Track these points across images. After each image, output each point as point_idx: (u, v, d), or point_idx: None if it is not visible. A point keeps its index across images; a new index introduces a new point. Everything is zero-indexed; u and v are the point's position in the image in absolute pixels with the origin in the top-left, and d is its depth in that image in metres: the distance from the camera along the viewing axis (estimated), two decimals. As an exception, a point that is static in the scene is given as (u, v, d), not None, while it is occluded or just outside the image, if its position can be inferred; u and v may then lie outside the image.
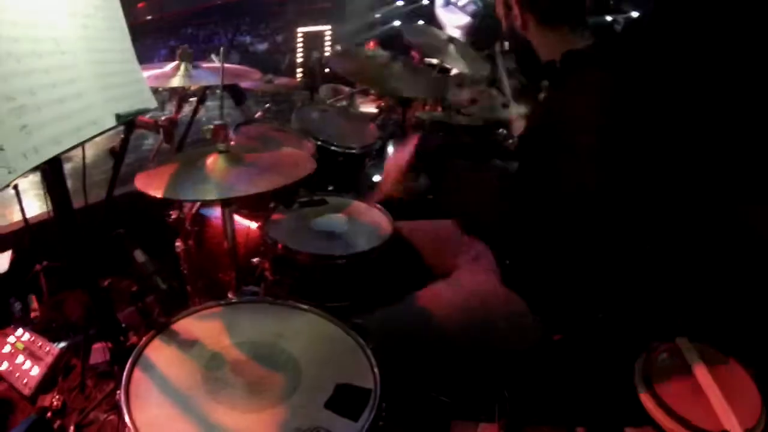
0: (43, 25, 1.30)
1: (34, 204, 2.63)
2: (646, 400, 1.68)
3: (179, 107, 2.43)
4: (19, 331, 2.22)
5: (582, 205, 1.50)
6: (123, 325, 1.73)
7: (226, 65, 2.25)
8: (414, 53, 4.28)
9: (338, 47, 5.49)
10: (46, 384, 2.06)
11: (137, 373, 1.39)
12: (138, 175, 1.72)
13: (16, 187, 2.20)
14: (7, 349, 2.17)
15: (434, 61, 3.48)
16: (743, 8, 2.29)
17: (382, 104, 3.95)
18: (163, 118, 2.27)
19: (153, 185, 1.66)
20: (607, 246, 1.55)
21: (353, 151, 2.72)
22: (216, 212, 2.44)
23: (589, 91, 1.57)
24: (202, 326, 1.60)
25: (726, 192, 2.30)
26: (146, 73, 1.74)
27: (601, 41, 1.68)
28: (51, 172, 1.46)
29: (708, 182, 2.29)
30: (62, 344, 2.20)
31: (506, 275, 1.86)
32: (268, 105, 3.06)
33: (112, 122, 1.46)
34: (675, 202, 1.93)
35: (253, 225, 2.40)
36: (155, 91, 1.72)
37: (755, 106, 2.22)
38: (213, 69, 2.33)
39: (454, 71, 3.81)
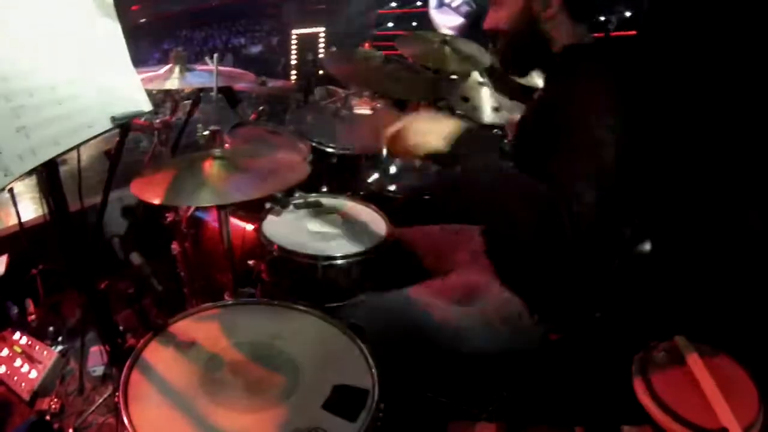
0: (40, 26, 1.30)
1: (30, 207, 2.62)
2: (645, 398, 1.68)
3: (174, 110, 2.43)
4: (17, 334, 2.21)
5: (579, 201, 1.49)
6: (120, 328, 1.73)
7: (220, 68, 2.24)
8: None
9: (333, 49, 5.49)
10: (44, 387, 2.05)
11: (135, 376, 1.39)
12: (134, 181, 1.72)
13: (11, 191, 2.19)
14: (4, 352, 2.16)
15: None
16: (742, 6, 2.29)
17: (377, 106, 3.95)
18: (157, 120, 2.28)
19: (149, 191, 1.66)
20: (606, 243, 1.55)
21: (348, 152, 2.73)
22: (212, 215, 2.44)
23: (589, 87, 1.55)
24: (200, 328, 1.60)
25: (726, 191, 2.30)
26: (141, 76, 1.73)
27: (600, 38, 1.66)
28: (47, 174, 1.45)
29: (708, 181, 2.29)
30: (60, 347, 2.20)
31: (503, 275, 1.87)
32: (262, 107, 3.05)
33: (108, 125, 1.46)
34: (675, 200, 1.93)
35: (249, 227, 2.40)
36: (149, 93, 1.71)
37: (756, 104, 2.22)
38: (207, 71, 2.33)
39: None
